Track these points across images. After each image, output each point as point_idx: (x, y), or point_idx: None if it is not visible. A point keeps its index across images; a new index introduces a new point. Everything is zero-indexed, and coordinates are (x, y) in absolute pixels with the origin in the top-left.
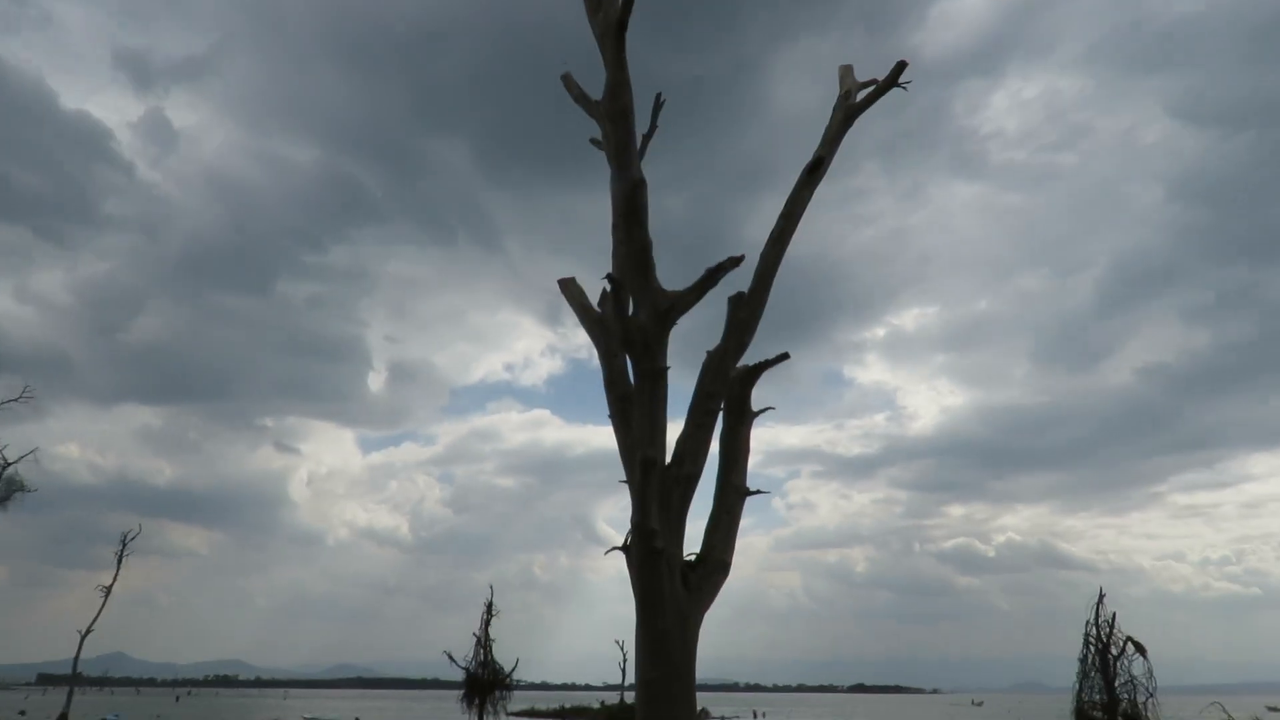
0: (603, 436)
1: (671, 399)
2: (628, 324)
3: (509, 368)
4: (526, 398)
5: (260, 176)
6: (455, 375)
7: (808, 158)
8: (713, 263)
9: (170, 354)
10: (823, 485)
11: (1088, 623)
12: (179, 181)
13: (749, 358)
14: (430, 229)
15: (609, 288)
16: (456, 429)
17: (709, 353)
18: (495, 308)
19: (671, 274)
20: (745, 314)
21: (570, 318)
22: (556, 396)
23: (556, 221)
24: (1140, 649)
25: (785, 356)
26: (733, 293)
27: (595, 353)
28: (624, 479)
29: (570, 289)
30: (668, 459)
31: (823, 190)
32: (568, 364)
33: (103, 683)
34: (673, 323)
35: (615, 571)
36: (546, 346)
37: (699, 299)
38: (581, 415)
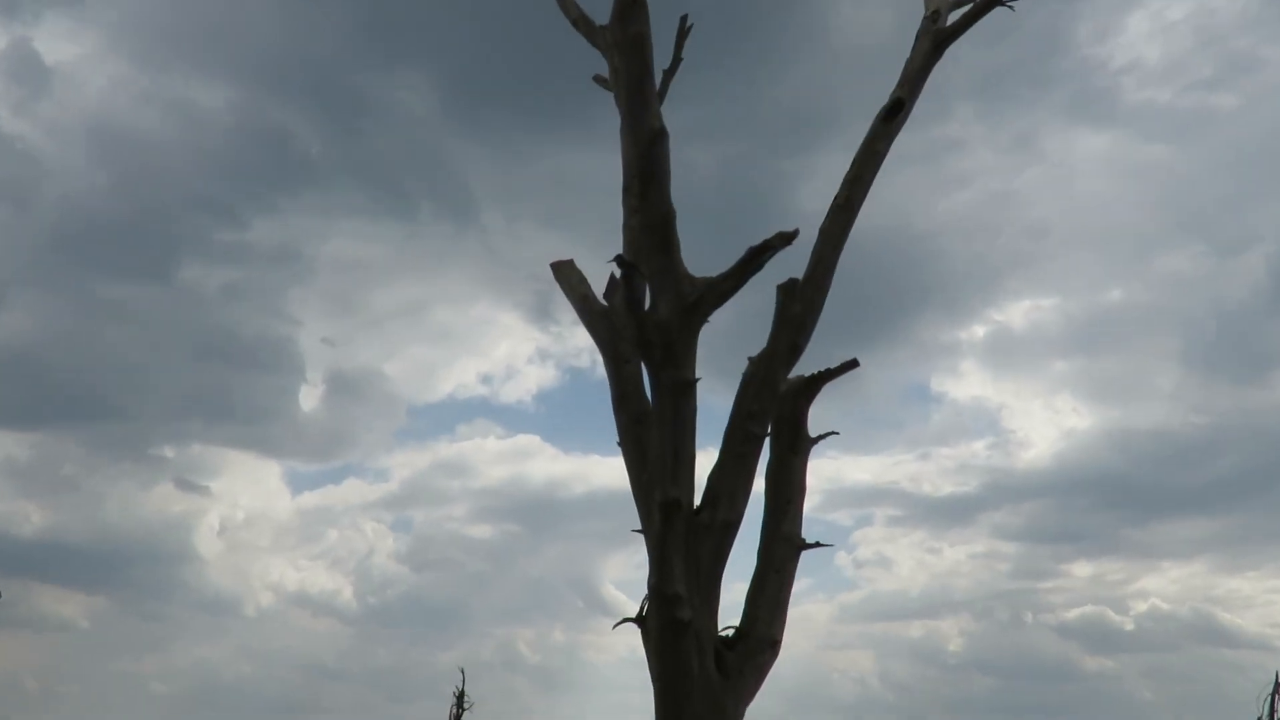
0: (610, 470)
1: (702, 420)
2: (644, 321)
3: (485, 379)
4: (509, 419)
5: (160, 127)
6: (414, 389)
7: (882, 99)
8: (756, 240)
9: (40, 362)
10: (903, 535)
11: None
12: (52, 134)
13: (805, 366)
14: (383, 196)
15: (618, 273)
16: (416, 461)
17: (752, 359)
18: (468, 300)
19: (701, 255)
20: (800, 308)
21: (567, 313)
22: (549, 417)
23: (548, 185)
24: None
25: (854, 364)
26: (783, 279)
27: (600, 359)
28: (639, 528)
29: (567, 274)
30: (697, 500)
31: (902, 142)
32: (564, 374)
33: None
34: (703, 319)
35: (628, 650)
36: (536, 351)
37: (738, 287)
38: (582, 442)
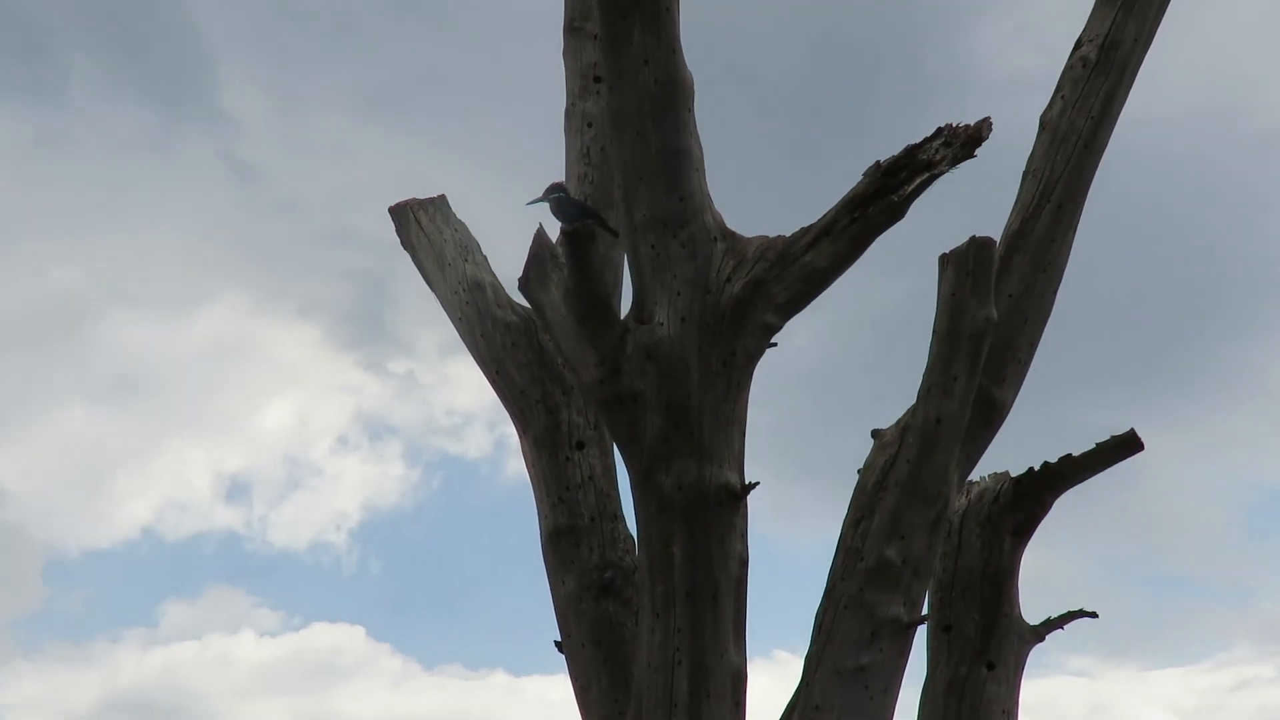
0: (537, 712)
1: (763, 586)
2: (616, 345)
3: (235, 490)
4: (290, 585)
5: None
6: (59, 519)
7: None
8: (885, 147)
9: None
10: None
11: None
12: None
13: (1010, 450)
14: None
15: (559, 232)
16: (67, 689)
17: (880, 436)
18: (191, 293)
19: (757, 189)
20: (997, 310)
21: (433, 326)
22: (388, 583)
23: (371, 26)
24: None
25: (1131, 447)
26: (958, 241)
27: (511, 439)
28: None
29: (430, 234)
30: None
31: None
32: (423, 475)
33: None
34: (763, 341)
35: None
36: (356, 418)
37: (848, 261)
38: (463, 645)
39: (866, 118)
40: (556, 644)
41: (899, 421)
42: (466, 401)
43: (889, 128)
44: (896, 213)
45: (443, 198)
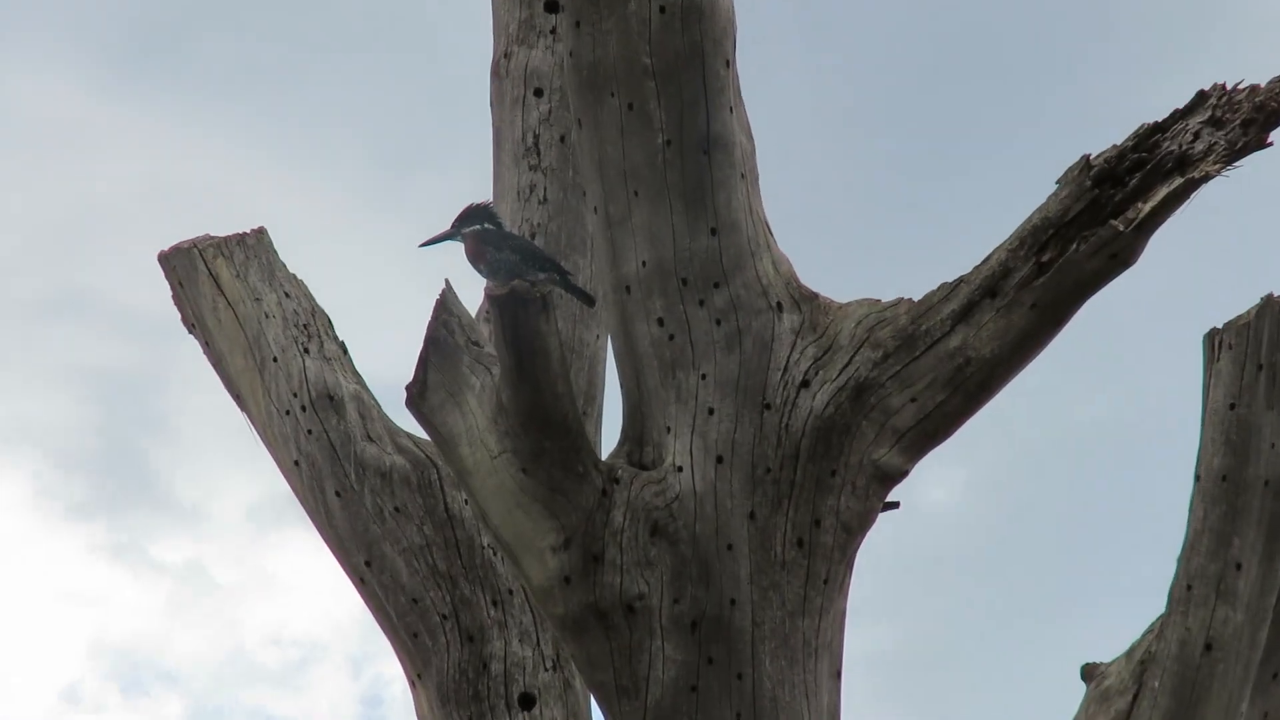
0: None
1: None
2: (587, 506)
3: None
4: None
5: None
6: None
7: None
8: (1091, 138)
9: None
10: None
11: None
12: None
13: None
14: None
15: (488, 297)
16: None
17: (1093, 677)
18: None
19: (846, 208)
20: None
21: (242, 469)
22: None
23: None
24: None
25: None
26: (1235, 314)
27: (404, 688)
28: None
29: (235, 300)
30: None
31: None
32: None
33: None
34: (874, 495)
35: None
36: (96, 651)
37: (1030, 353)
38: None
39: (1051, 73)
40: None
41: (1132, 649)
42: (307, 619)
43: (1096, 89)
44: (1123, 253)
45: (261, 233)
